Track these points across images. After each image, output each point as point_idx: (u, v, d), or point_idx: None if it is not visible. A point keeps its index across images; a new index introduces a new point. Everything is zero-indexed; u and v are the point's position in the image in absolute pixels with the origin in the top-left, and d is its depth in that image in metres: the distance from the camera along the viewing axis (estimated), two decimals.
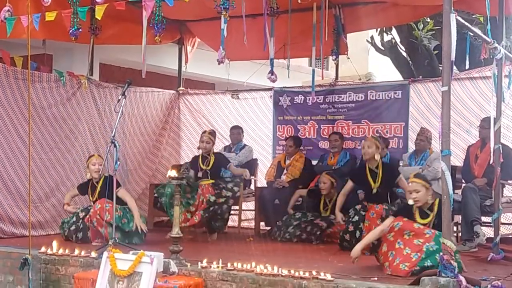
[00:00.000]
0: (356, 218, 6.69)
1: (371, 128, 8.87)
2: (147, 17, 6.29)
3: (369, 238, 5.59)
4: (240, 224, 8.58)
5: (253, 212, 8.59)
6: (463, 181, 7.40)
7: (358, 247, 5.52)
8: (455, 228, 7.22)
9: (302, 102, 9.46)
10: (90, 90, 8.47)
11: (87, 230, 7.02)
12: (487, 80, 7.75)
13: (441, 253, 4.68)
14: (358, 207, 6.76)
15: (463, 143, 7.92)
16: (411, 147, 8.29)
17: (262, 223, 8.50)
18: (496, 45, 6.00)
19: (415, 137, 7.97)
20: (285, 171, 8.50)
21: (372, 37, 12.36)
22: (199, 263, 5.40)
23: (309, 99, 9.16)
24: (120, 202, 6.92)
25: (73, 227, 7.11)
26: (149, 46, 6.56)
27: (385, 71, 14.53)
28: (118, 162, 6.18)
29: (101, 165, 7.02)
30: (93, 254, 5.82)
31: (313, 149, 9.27)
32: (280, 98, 9.60)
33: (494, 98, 6.21)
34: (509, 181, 7.16)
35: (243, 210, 8.68)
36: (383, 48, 12.19)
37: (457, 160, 7.64)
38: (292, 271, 4.99)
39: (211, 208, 7.45)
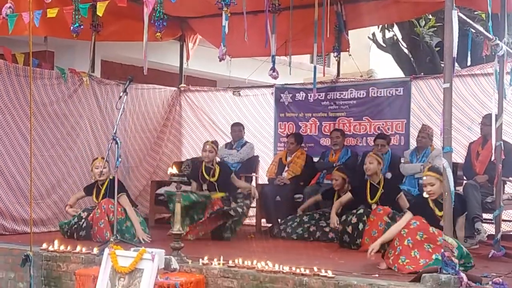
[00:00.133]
0: (361, 211, 6.70)
1: (372, 125, 8.87)
2: (148, 13, 6.29)
3: (392, 232, 5.57)
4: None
5: (254, 209, 8.58)
6: (464, 178, 7.39)
7: (378, 242, 5.54)
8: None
9: (303, 99, 9.45)
10: (91, 87, 8.47)
11: (90, 228, 7.01)
12: (488, 77, 7.75)
13: (442, 251, 4.68)
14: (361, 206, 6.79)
15: (465, 140, 7.92)
16: (413, 144, 8.29)
17: (263, 220, 8.50)
18: (498, 41, 5.99)
19: (416, 134, 7.97)
20: (286, 168, 8.50)
21: (373, 34, 12.34)
22: (200, 260, 5.40)
23: (311, 96, 9.16)
24: None
25: (75, 226, 7.12)
26: (150, 43, 6.57)
27: (386, 68, 14.51)
28: (120, 159, 6.19)
29: (105, 167, 7.06)
30: (95, 251, 5.83)
31: (314, 146, 9.27)
32: (282, 95, 9.59)
33: (495, 95, 6.19)
34: (510, 178, 7.15)
35: None
36: (384, 45, 12.17)
37: (459, 157, 7.64)
38: (293, 268, 5.00)
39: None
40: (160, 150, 9.91)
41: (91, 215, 7.04)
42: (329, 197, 7.62)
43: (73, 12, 7.00)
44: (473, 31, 6.11)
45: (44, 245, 6.07)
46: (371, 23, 10.34)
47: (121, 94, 6.44)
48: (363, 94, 9.01)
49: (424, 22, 11.26)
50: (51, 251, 6.00)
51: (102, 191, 7.14)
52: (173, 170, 5.80)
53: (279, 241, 7.43)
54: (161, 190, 8.76)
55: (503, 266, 5.67)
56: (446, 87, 4.81)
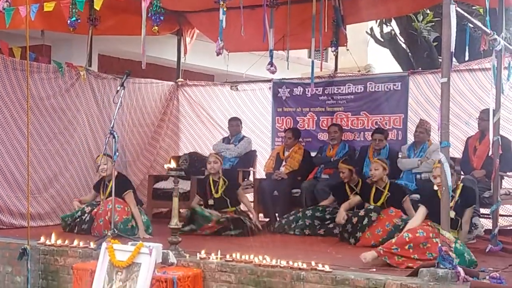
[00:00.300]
0: (371, 207, 6.70)
1: (370, 120, 8.87)
2: (146, 7, 6.27)
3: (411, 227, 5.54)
4: None
5: (252, 204, 8.57)
6: (461, 173, 7.40)
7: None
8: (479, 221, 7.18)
9: (301, 93, 9.45)
10: (88, 81, 8.45)
11: (92, 222, 7.01)
12: (486, 72, 7.75)
13: (439, 245, 4.69)
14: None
15: (462, 135, 7.92)
16: (410, 138, 8.29)
17: (260, 215, 8.50)
18: (496, 36, 5.99)
19: (414, 128, 7.97)
20: (284, 163, 8.49)
21: (371, 29, 12.33)
22: (198, 254, 5.41)
23: (308, 90, 9.16)
24: None
25: (78, 220, 7.11)
26: (148, 37, 6.54)
27: (384, 62, 14.48)
28: (117, 153, 6.19)
29: (105, 164, 7.06)
30: (92, 245, 5.83)
31: (312, 140, 9.27)
32: (279, 89, 9.58)
33: (493, 90, 6.20)
34: (508, 173, 7.18)
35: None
36: (382, 40, 12.15)
37: (456, 152, 7.65)
38: (291, 262, 5.00)
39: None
40: (157, 145, 9.90)
41: (95, 210, 7.03)
42: (340, 192, 7.55)
43: (70, 6, 6.99)
44: (471, 26, 6.11)
45: (42, 239, 6.07)
46: (369, 18, 10.33)
47: (118, 88, 6.43)
48: (360, 89, 9.01)
49: (422, 17, 11.25)
50: (49, 245, 6.00)
51: (110, 187, 7.12)
52: (171, 164, 5.80)
53: (276, 235, 7.43)
54: (159, 185, 8.77)
55: (500, 260, 5.68)
56: (444, 82, 4.82)
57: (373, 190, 6.85)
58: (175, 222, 5.57)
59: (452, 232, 5.21)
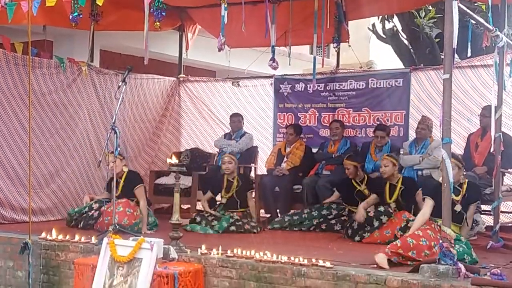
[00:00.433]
0: (381, 209, 6.69)
1: (371, 116, 8.85)
2: (148, 3, 6.27)
3: (419, 221, 5.55)
4: None
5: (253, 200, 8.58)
6: (463, 170, 7.39)
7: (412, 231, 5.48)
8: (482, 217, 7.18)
9: (302, 89, 9.43)
10: (90, 77, 8.45)
11: (98, 219, 7.01)
12: (488, 68, 7.73)
13: (441, 241, 4.69)
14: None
15: (464, 131, 7.91)
16: (412, 135, 8.28)
17: (262, 211, 8.50)
18: (498, 33, 5.98)
19: (415, 125, 7.96)
20: (285, 159, 8.49)
21: (373, 25, 12.32)
22: (199, 249, 5.42)
23: (310, 86, 9.15)
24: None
25: (84, 215, 7.11)
26: (149, 33, 6.55)
27: (386, 59, 14.48)
28: (118, 149, 6.19)
29: (113, 161, 7.08)
30: (93, 240, 5.84)
31: (313, 137, 9.26)
32: (281, 85, 9.57)
33: (495, 86, 6.19)
34: (509, 170, 7.16)
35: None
36: (384, 36, 12.14)
37: (458, 148, 7.63)
38: (292, 258, 5.01)
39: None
40: (159, 140, 9.90)
41: (104, 208, 7.02)
42: (345, 188, 7.58)
43: (72, 1, 6.99)
44: (473, 22, 6.10)
45: (43, 234, 6.08)
46: (371, 14, 10.30)
47: (120, 84, 6.43)
48: (362, 85, 8.99)
49: (424, 13, 11.23)
50: (50, 240, 6.01)
51: (121, 184, 7.15)
52: (173, 160, 5.81)
53: (277, 231, 7.44)
54: (160, 180, 8.77)
55: (502, 257, 5.69)
56: (446, 78, 4.81)
57: (387, 186, 6.83)
58: (176, 218, 5.57)
59: (455, 226, 5.22)
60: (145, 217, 7.03)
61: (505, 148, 6.35)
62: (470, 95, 8.07)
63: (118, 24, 8.80)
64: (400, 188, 6.76)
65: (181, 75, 10.23)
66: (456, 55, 5.27)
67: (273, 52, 6.96)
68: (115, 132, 6.15)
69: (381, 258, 5.04)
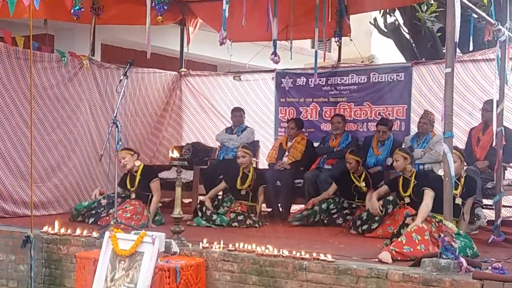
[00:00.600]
0: (390, 198, 6.69)
1: (373, 111, 8.85)
2: None
3: (423, 212, 5.54)
4: None
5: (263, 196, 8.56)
6: (465, 163, 7.39)
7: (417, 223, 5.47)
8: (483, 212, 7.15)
9: (304, 84, 9.43)
10: (91, 71, 8.44)
11: (106, 217, 6.99)
12: (490, 63, 7.72)
13: (442, 236, 4.69)
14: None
15: (466, 125, 7.91)
16: (413, 129, 8.28)
17: (263, 205, 8.50)
18: (500, 27, 5.97)
19: (417, 119, 7.96)
20: (286, 153, 8.49)
21: (375, 19, 12.29)
22: (201, 243, 5.42)
23: (311, 81, 9.15)
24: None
25: (92, 211, 7.11)
26: (151, 27, 6.54)
27: (388, 53, 14.46)
28: (120, 143, 6.19)
29: (124, 157, 7.13)
30: (95, 234, 5.85)
31: (315, 131, 9.26)
32: (282, 80, 9.56)
33: (497, 80, 6.19)
34: (511, 164, 7.16)
35: None
36: (386, 30, 12.12)
37: (460, 142, 7.63)
38: (293, 252, 5.01)
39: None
40: (160, 135, 9.91)
41: (113, 211, 6.99)
42: (344, 182, 7.58)
43: None
44: (475, 16, 6.08)
45: (45, 228, 6.09)
46: (373, 8, 10.29)
47: (121, 78, 6.43)
48: (364, 79, 8.98)
49: (426, 7, 11.19)
50: (52, 233, 6.02)
51: (138, 179, 7.19)
52: (174, 154, 5.81)
53: (279, 225, 7.44)
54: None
55: (503, 251, 5.69)
56: (447, 72, 4.80)
57: (401, 180, 6.82)
58: (178, 212, 5.58)
59: (453, 220, 5.20)
60: (153, 212, 7.05)
61: (507, 142, 6.34)
62: (472, 89, 8.06)
63: (119, 18, 8.80)
64: (414, 182, 6.74)
65: (183, 69, 10.23)
66: (458, 49, 5.25)
67: (275, 46, 6.95)
68: (117, 126, 6.15)
69: (384, 255, 5.04)
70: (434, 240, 5.19)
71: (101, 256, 5.15)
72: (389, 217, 6.57)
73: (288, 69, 9.57)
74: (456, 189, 5.49)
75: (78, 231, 5.97)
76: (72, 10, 7.18)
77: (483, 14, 6.03)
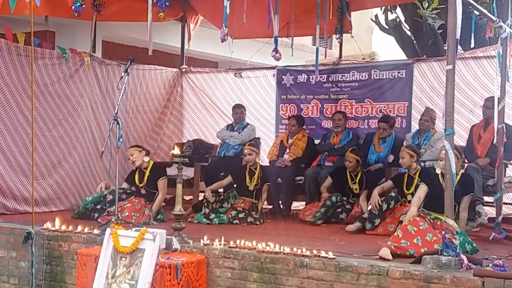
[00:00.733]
0: (392, 194, 6.68)
1: (374, 108, 8.85)
2: None
3: (415, 203, 5.64)
4: None
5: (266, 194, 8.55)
6: (466, 161, 7.39)
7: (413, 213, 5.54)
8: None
9: (305, 81, 9.42)
10: (92, 67, 8.44)
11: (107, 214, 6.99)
12: (491, 60, 7.70)
13: (443, 232, 4.69)
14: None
15: (467, 122, 7.90)
16: (415, 126, 8.28)
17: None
18: (501, 23, 5.96)
19: (418, 116, 7.96)
20: (287, 150, 8.49)
21: (376, 16, 12.27)
22: (202, 240, 5.42)
23: (312, 78, 9.15)
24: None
25: (98, 206, 7.10)
26: (152, 24, 6.52)
27: (389, 50, 14.45)
28: (121, 140, 6.19)
29: (132, 154, 7.16)
30: (96, 231, 5.85)
31: (316, 128, 9.26)
32: (283, 77, 9.56)
33: (498, 77, 6.18)
34: None
35: None
36: (387, 27, 12.09)
37: (461, 139, 7.63)
38: (294, 249, 5.01)
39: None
40: (161, 131, 9.91)
41: (120, 203, 6.98)
42: (339, 178, 7.60)
43: None
44: (477, 13, 6.07)
45: (46, 225, 6.09)
46: (374, 5, 10.30)
47: (122, 75, 6.43)
48: (365, 76, 8.98)
49: (427, 4, 11.18)
50: (53, 230, 6.02)
51: (147, 175, 7.22)
52: (175, 151, 5.81)
53: (280, 222, 7.44)
54: None
55: (504, 248, 5.69)
56: (448, 69, 4.79)
57: (405, 177, 6.81)
58: (178, 209, 5.57)
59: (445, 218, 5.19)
60: (155, 210, 7.06)
61: (508, 140, 6.34)
62: (473, 86, 8.05)
63: (120, 15, 8.79)
64: (417, 181, 6.73)
65: (184, 66, 10.22)
66: (459, 46, 5.25)
67: (276, 42, 6.94)
68: (118, 123, 6.15)
69: (384, 252, 5.03)
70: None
71: (102, 253, 5.15)
72: (389, 214, 6.57)
73: (289, 66, 9.56)
74: None
75: (79, 228, 5.97)
76: (73, 7, 7.18)
77: (485, 11, 6.02)
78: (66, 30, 9.85)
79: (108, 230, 5.23)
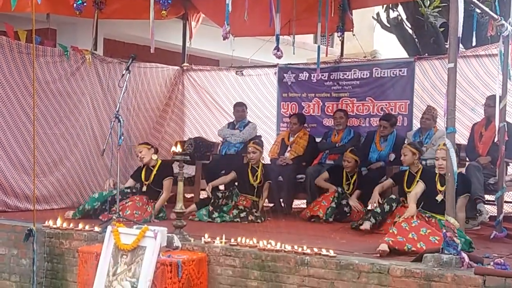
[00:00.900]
0: (393, 196, 6.66)
1: (375, 106, 8.84)
2: None
3: (411, 199, 5.75)
4: None
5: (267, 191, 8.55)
6: (467, 159, 7.39)
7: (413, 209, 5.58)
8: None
9: (306, 79, 9.42)
10: (94, 65, 8.44)
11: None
12: (493, 58, 7.70)
13: (444, 230, 4.69)
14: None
15: (468, 121, 7.90)
16: (416, 125, 8.27)
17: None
18: (503, 22, 5.96)
19: (419, 115, 7.95)
20: (289, 148, 8.49)
21: (378, 14, 12.26)
22: (203, 238, 5.43)
23: (314, 76, 9.14)
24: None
25: (105, 205, 7.06)
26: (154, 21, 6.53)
27: (390, 48, 14.43)
28: (122, 137, 6.19)
29: (140, 151, 7.20)
30: (97, 229, 5.85)
31: (317, 126, 9.26)
32: (285, 75, 9.56)
33: (500, 76, 6.17)
34: None
35: None
36: (389, 25, 12.08)
37: (462, 138, 7.63)
38: (295, 247, 5.01)
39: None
40: (162, 129, 9.91)
41: (124, 202, 6.97)
42: (335, 175, 7.62)
43: None
44: (479, 11, 6.07)
45: (47, 222, 6.09)
46: (376, 3, 10.28)
47: (123, 73, 6.43)
48: (366, 74, 8.98)
49: (428, 2, 11.16)
50: (54, 228, 6.03)
51: (154, 173, 7.23)
52: (176, 149, 5.81)
53: (281, 220, 7.45)
54: None
55: (505, 247, 5.68)
56: (450, 67, 4.79)
57: (406, 175, 6.80)
58: (180, 206, 5.58)
59: (441, 216, 5.19)
60: (157, 209, 7.07)
61: (509, 138, 6.34)
62: (474, 84, 8.05)
63: (121, 13, 8.79)
64: (418, 180, 6.72)
65: (185, 64, 10.22)
66: (460, 45, 5.25)
67: (278, 40, 6.93)
68: (119, 121, 6.15)
69: (382, 246, 5.05)
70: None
71: (103, 250, 5.16)
72: (390, 216, 6.56)
73: (290, 64, 9.55)
74: (442, 186, 5.50)
75: (80, 226, 5.97)
76: (74, 5, 7.18)
77: (486, 9, 6.02)
78: (68, 28, 9.85)
79: (109, 228, 5.24)
